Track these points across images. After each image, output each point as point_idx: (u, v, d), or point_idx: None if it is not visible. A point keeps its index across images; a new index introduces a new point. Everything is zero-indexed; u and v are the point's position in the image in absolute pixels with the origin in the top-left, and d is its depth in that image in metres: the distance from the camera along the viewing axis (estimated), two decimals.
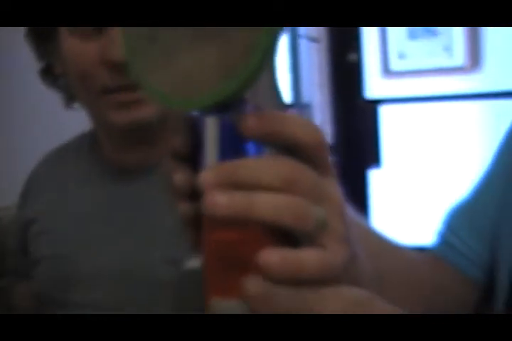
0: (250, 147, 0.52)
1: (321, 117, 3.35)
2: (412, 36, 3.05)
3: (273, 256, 0.50)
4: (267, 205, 0.50)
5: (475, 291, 0.99)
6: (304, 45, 3.30)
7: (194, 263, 0.97)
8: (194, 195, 0.53)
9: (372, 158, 3.27)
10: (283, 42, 3.31)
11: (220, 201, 0.49)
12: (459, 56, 2.98)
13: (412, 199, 3.16)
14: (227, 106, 0.51)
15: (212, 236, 0.52)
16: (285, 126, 0.52)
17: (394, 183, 3.25)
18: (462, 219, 1.00)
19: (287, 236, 0.52)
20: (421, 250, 1.02)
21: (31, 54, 1.18)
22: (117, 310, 1.07)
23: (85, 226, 1.14)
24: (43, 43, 1.14)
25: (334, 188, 0.55)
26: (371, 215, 3.31)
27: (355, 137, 3.30)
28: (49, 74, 1.19)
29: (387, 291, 0.68)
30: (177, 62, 0.51)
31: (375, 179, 3.30)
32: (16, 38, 1.24)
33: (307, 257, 0.51)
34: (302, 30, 3.26)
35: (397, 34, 3.07)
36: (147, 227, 1.09)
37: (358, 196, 3.32)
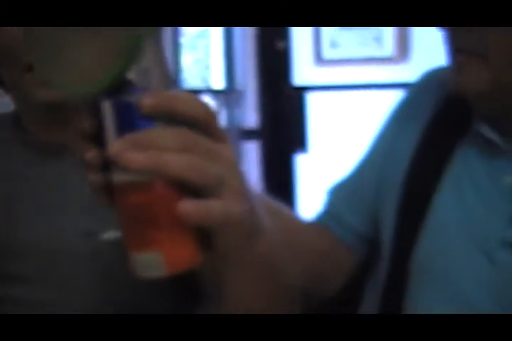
0: (145, 123, 0.61)
1: (251, 103, 3.39)
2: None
3: (189, 205, 0.60)
4: (173, 162, 0.59)
5: (355, 258, 1.08)
6: (238, 32, 3.33)
7: (111, 234, 1.02)
8: (104, 169, 0.62)
9: (299, 143, 3.33)
10: (217, 30, 3.33)
11: (135, 158, 0.58)
12: (389, 46, 3.07)
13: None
14: (117, 90, 0.60)
15: (125, 200, 0.61)
16: (175, 103, 0.60)
17: (320, 168, 3.32)
18: (343, 193, 1.09)
19: (192, 193, 0.61)
20: None
21: None
22: (45, 282, 1.07)
23: (11, 205, 1.12)
24: None
25: (228, 152, 0.63)
26: (298, 199, 3.37)
27: (282, 123, 3.34)
28: None
29: (282, 248, 0.81)
30: (70, 56, 0.60)
31: (302, 164, 3.36)
32: None
33: (213, 207, 0.61)
34: None
35: None
36: (69, 203, 1.09)
37: (285, 181, 3.38)
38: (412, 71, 3.03)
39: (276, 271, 0.74)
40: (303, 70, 3.28)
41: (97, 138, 0.62)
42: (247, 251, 0.67)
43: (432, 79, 1.06)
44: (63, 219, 1.09)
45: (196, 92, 3.43)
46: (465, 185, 0.95)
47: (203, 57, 3.45)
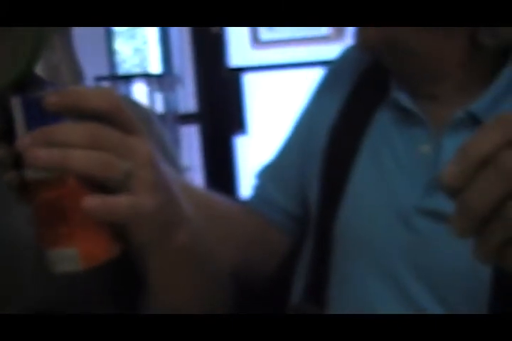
0: (55, 119, 0.61)
1: (189, 87, 3.39)
2: None
3: (94, 201, 0.60)
4: (79, 158, 0.59)
5: (288, 239, 1.09)
6: None
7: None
8: (17, 165, 0.61)
9: (238, 125, 3.34)
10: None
11: (39, 154, 0.58)
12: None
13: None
14: (26, 86, 0.61)
15: (37, 197, 0.61)
16: (81, 99, 0.60)
17: (260, 149, 3.34)
18: (271, 174, 1.11)
19: (102, 188, 0.61)
20: None
21: None
22: None
23: None
24: None
25: (140, 143, 0.63)
26: (239, 181, 3.39)
27: (220, 105, 3.35)
28: None
29: (209, 235, 0.81)
30: None
31: (241, 146, 3.38)
32: None
33: (121, 202, 0.61)
34: None
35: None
36: None
37: (226, 163, 3.40)
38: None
39: (202, 258, 0.74)
40: (240, 53, 3.30)
41: (8, 135, 0.61)
42: (165, 242, 0.67)
43: (351, 54, 1.08)
44: None
45: (130, 77, 3.41)
46: (383, 152, 0.96)
47: (142, 45, 3.43)
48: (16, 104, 0.61)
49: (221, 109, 3.35)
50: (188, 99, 3.42)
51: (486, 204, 0.53)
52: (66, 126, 0.60)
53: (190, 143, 3.47)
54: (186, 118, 3.44)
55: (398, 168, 0.95)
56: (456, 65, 0.92)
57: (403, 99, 0.95)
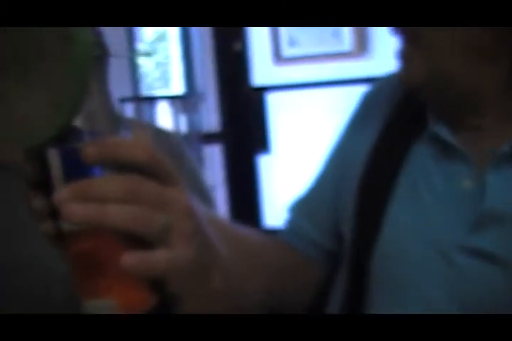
0: (93, 170, 0.61)
1: (211, 106, 3.39)
2: None
3: (131, 258, 0.59)
4: (116, 214, 0.58)
5: (321, 271, 1.08)
6: (196, 35, 3.33)
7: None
8: (53, 215, 0.61)
9: (261, 144, 3.33)
10: (174, 32, 3.32)
11: (75, 210, 0.58)
12: (347, 42, 3.08)
13: (301, 183, 3.23)
14: (62, 137, 0.60)
15: (74, 248, 0.61)
16: (118, 150, 0.60)
17: (283, 168, 3.32)
18: (304, 208, 1.09)
19: (139, 240, 0.61)
20: None
21: None
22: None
23: None
24: None
25: (178, 194, 0.63)
26: (262, 200, 3.37)
27: (244, 125, 3.35)
28: None
29: (241, 272, 0.82)
30: (12, 108, 0.59)
31: (265, 164, 3.36)
32: None
33: (159, 258, 0.61)
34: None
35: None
36: (14, 221, 1.06)
37: (249, 182, 3.38)
38: (372, 65, 3.06)
39: (235, 293, 0.74)
40: (262, 70, 3.29)
41: (45, 185, 0.61)
42: (201, 288, 0.67)
43: (385, 84, 1.06)
44: (18, 244, 1.05)
45: (154, 98, 3.42)
46: (421, 186, 0.94)
47: (164, 60, 3.44)
48: (53, 156, 0.60)
49: (244, 127, 3.34)
50: (210, 118, 3.42)
51: None
52: (103, 179, 0.60)
53: (213, 162, 3.46)
54: (209, 138, 3.43)
55: (437, 203, 0.93)
56: (500, 95, 0.90)
57: (443, 132, 0.92)
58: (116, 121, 0.65)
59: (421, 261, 0.92)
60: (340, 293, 1.02)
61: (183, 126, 3.41)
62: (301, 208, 1.09)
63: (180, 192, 0.63)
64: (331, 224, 1.05)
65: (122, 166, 0.61)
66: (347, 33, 3.06)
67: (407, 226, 0.94)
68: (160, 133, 1.22)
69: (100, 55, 0.62)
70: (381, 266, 0.95)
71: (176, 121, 3.41)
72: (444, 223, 0.91)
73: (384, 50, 3.01)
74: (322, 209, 1.06)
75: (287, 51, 3.19)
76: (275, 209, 3.27)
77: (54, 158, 0.60)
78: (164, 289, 0.63)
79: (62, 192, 0.58)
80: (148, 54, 3.37)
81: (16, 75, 0.59)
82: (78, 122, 0.60)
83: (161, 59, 3.44)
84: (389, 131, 1.00)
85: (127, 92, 3.43)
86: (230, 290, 0.72)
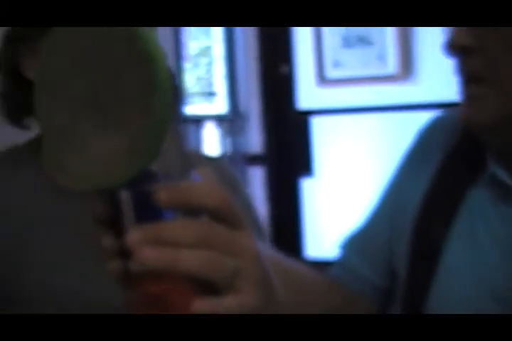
0: (164, 213, 0.61)
1: (254, 127, 3.39)
2: (347, 45, 3.12)
3: (203, 306, 0.60)
4: (187, 260, 0.59)
5: (368, 309, 1.05)
6: (241, 54, 3.34)
7: None
8: (122, 254, 0.62)
9: (305, 167, 3.32)
10: (219, 50, 3.34)
11: (149, 255, 0.58)
12: (392, 65, 3.06)
13: (344, 206, 3.21)
14: (136, 179, 0.60)
15: (141, 289, 0.61)
16: (191, 195, 0.61)
17: (326, 191, 3.30)
18: (356, 245, 1.06)
19: (207, 285, 0.61)
20: None
21: None
22: None
23: (27, 245, 1.11)
24: (18, 42, 1.12)
25: (247, 239, 0.63)
26: (304, 223, 3.34)
27: (288, 147, 3.34)
28: (15, 78, 1.15)
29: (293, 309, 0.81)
30: (88, 148, 0.60)
31: (307, 188, 3.34)
32: None
33: (228, 305, 0.61)
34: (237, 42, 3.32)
35: (332, 42, 3.14)
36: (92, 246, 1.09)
37: (291, 205, 3.36)
38: (416, 90, 3.03)
39: None
40: (306, 91, 3.28)
41: (115, 225, 0.62)
42: None
43: (441, 123, 1.03)
44: (88, 265, 1.07)
45: (200, 120, 3.43)
46: (478, 229, 0.91)
47: (205, 75, 3.45)
48: (125, 198, 0.61)
49: (288, 150, 3.33)
50: (253, 140, 3.42)
51: None
52: (175, 223, 0.60)
53: (256, 184, 3.45)
54: (252, 160, 3.43)
55: (496, 248, 0.90)
56: None
57: (502, 174, 0.89)
58: (187, 161, 0.65)
59: (477, 307, 0.89)
60: None
61: (228, 148, 3.41)
62: (354, 245, 1.07)
63: (249, 236, 0.63)
64: (384, 262, 1.03)
65: (193, 210, 0.61)
66: (392, 55, 3.04)
67: (464, 270, 0.91)
68: (216, 166, 1.22)
69: (176, 98, 0.62)
70: (435, 306, 0.93)
71: (224, 143, 3.41)
72: (503, 269, 0.89)
73: (429, 74, 2.99)
74: (375, 247, 1.04)
75: (331, 73, 3.18)
76: (317, 231, 3.25)
77: (127, 199, 0.60)
78: None
79: (135, 235, 0.59)
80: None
81: (96, 118, 0.60)
82: (151, 164, 0.61)
83: (203, 74, 3.45)
84: (445, 172, 0.97)
85: None
86: None
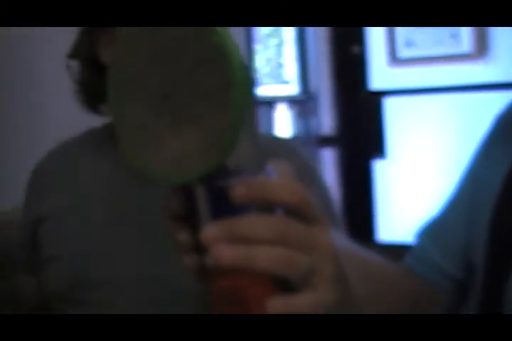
0: (239, 209, 0.60)
1: (325, 109, 3.37)
2: None
3: (278, 303, 0.59)
4: (264, 257, 0.58)
5: (442, 299, 1.03)
6: (311, 35, 3.31)
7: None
8: (197, 249, 0.62)
9: (377, 149, 3.29)
10: (289, 32, 3.32)
11: (225, 253, 0.57)
12: (466, 43, 3.00)
13: (417, 189, 3.17)
14: (213, 176, 0.59)
15: (217, 284, 0.61)
16: (268, 191, 0.60)
17: (398, 173, 3.27)
18: (432, 235, 1.04)
19: (283, 281, 0.60)
20: None
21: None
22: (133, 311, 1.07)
23: (99, 228, 1.13)
24: (97, 30, 1.13)
25: (323, 235, 0.62)
26: (376, 204, 3.32)
27: (360, 129, 3.31)
28: (92, 66, 1.16)
29: (369, 304, 0.84)
30: (164, 145, 0.60)
31: (380, 170, 3.31)
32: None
33: (303, 302, 0.60)
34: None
35: None
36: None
37: (363, 187, 3.34)
38: (492, 68, 2.97)
39: None
40: (378, 71, 3.24)
41: (189, 220, 0.62)
42: None
43: None
44: (157, 250, 1.08)
45: (272, 101, 3.42)
46: None
47: (275, 56, 3.44)
48: (201, 193, 0.61)
49: (360, 132, 3.30)
50: (325, 121, 3.39)
51: None
52: (251, 219, 0.60)
53: (328, 166, 3.43)
54: (324, 141, 3.41)
55: None
56: None
57: None
58: (262, 155, 0.64)
59: None
60: None
61: (301, 129, 3.40)
62: (430, 233, 1.05)
63: (325, 232, 0.63)
64: (460, 252, 1.01)
65: (269, 206, 0.61)
66: (466, 33, 2.98)
67: None
68: (291, 152, 1.22)
69: (252, 93, 0.62)
70: None
71: (296, 125, 3.39)
72: None
73: (505, 53, 2.92)
74: (451, 236, 1.01)
75: (403, 52, 3.14)
76: (389, 215, 3.22)
77: (202, 195, 0.61)
78: None
79: (211, 230, 0.58)
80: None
81: (172, 114, 0.60)
82: (227, 160, 0.60)
83: (272, 55, 3.44)
84: None
85: None
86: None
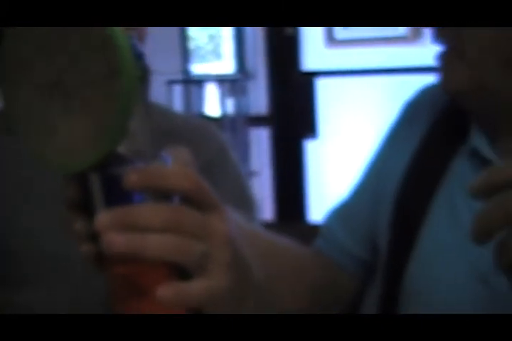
0: (134, 196, 0.60)
1: (260, 88, 3.38)
2: None
3: (167, 291, 0.59)
4: (155, 244, 0.58)
5: (352, 283, 1.04)
6: None
7: None
8: (94, 237, 0.61)
9: (309, 129, 3.31)
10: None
11: (116, 240, 0.57)
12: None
13: (348, 169, 3.21)
14: (105, 162, 0.59)
15: (113, 271, 0.61)
16: (161, 178, 0.60)
17: (330, 153, 3.30)
18: (340, 218, 1.05)
19: (179, 267, 0.61)
20: None
21: None
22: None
23: (16, 209, 1.12)
24: None
25: (219, 221, 0.62)
26: (308, 184, 3.35)
27: (292, 108, 3.33)
28: None
29: (278, 287, 0.86)
30: (57, 134, 0.59)
31: (311, 150, 3.34)
32: None
33: (195, 288, 0.61)
34: None
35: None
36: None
37: (295, 166, 3.37)
38: (426, 52, 3.02)
39: (270, 308, 0.75)
40: (314, 52, 3.27)
41: (85, 208, 0.61)
42: (235, 310, 0.66)
43: (426, 95, 1.02)
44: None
45: (202, 81, 3.41)
46: (459, 204, 0.90)
47: (217, 32, 3.43)
48: (94, 181, 0.60)
49: (292, 112, 3.32)
50: (259, 101, 3.40)
51: (500, 218, 0.62)
52: (144, 207, 0.60)
53: (260, 145, 3.45)
54: (256, 121, 3.42)
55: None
56: None
57: (484, 148, 0.88)
58: (158, 143, 0.63)
59: (455, 279, 0.88)
60: (371, 306, 1.00)
61: (230, 109, 3.40)
62: (338, 216, 1.06)
63: (221, 220, 0.63)
64: (367, 235, 1.02)
65: (164, 193, 0.61)
66: None
67: (444, 243, 0.90)
68: (205, 139, 1.20)
69: (142, 77, 0.61)
70: (415, 281, 0.92)
71: (223, 104, 3.39)
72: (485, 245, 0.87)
73: None
74: (359, 219, 1.03)
75: (340, 33, 3.17)
76: (320, 193, 3.25)
77: (95, 183, 0.60)
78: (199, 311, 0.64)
79: (103, 218, 0.58)
80: None
81: (62, 102, 0.59)
82: (119, 146, 0.59)
83: (214, 32, 3.43)
84: (429, 143, 0.96)
85: (178, 66, 3.42)
86: (265, 306, 0.72)
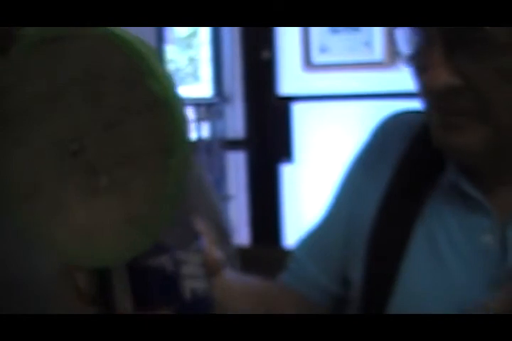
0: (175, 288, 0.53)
1: (238, 113, 3.38)
2: (334, 30, 3.11)
3: None
4: None
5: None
6: (227, 39, 3.31)
7: None
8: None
9: (285, 153, 3.31)
10: (206, 35, 3.31)
11: None
12: (378, 51, 3.06)
13: (323, 194, 3.20)
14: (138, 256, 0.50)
15: None
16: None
17: (306, 178, 3.30)
18: (309, 251, 1.01)
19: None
20: None
21: None
22: None
23: None
24: None
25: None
26: (283, 208, 3.33)
27: (268, 133, 3.33)
28: None
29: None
30: (69, 216, 0.48)
31: (287, 174, 3.33)
32: None
33: None
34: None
35: (319, 28, 3.13)
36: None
37: (271, 190, 3.35)
38: (403, 77, 3.03)
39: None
40: (291, 76, 3.27)
41: (101, 301, 0.53)
42: None
43: (398, 123, 0.99)
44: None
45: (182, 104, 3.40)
46: (439, 238, 0.88)
47: (197, 55, 3.43)
48: (122, 275, 0.52)
49: (269, 135, 3.32)
50: (236, 124, 3.40)
51: None
52: None
53: (237, 169, 3.44)
54: (233, 145, 3.41)
55: (457, 257, 0.87)
56: None
57: (462, 183, 0.86)
58: (193, 227, 0.56)
59: (437, 312, 0.85)
60: None
61: (206, 132, 3.39)
62: (307, 249, 1.02)
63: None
64: (339, 269, 0.98)
65: None
66: (378, 41, 3.04)
67: (424, 280, 0.88)
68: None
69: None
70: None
71: (199, 127, 3.38)
72: (464, 279, 0.86)
73: None
74: (330, 253, 0.99)
75: (318, 58, 3.18)
76: (296, 217, 3.24)
77: (123, 277, 0.51)
78: None
79: None
80: None
81: (81, 176, 0.49)
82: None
83: (194, 55, 3.43)
84: (403, 174, 0.93)
85: None
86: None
